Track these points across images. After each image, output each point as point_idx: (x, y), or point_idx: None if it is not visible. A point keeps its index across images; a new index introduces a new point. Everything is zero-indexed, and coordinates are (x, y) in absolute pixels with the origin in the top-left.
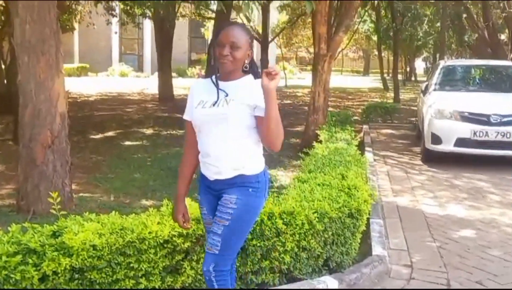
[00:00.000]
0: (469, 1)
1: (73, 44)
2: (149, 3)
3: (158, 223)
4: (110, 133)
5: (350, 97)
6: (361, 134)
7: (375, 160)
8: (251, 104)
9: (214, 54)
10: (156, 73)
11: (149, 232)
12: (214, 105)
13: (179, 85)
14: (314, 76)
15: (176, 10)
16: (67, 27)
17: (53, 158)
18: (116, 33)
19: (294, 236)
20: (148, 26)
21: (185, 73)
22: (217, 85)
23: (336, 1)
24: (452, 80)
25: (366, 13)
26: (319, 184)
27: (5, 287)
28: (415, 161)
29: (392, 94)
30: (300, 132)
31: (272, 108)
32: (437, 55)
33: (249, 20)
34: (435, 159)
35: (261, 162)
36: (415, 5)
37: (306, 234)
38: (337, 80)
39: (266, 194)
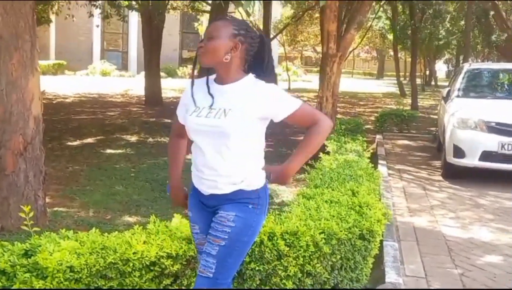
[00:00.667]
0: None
1: (49, 39)
2: None
3: (144, 242)
4: (90, 140)
5: (361, 103)
6: (374, 145)
7: (389, 174)
8: (258, 116)
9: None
10: (143, 73)
11: (134, 253)
12: (209, 113)
13: (168, 87)
14: (321, 79)
15: (166, 2)
16: (42, 19)
17: (25, 167)
18: (98, 26)
19: (297, 259)
20: (134, 19)
21: (175, 73)
22: (208, 89)
23: None
24: (478, 86)
25: (381, 9)
26: (326, 201)
27: None
28: (435, 177)
29: (410, 101)
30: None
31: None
32: (461, 57)
33: (248, 14)
34: (457, 175)
35: (262, 176)
36: (436, 0)
37: (311, 257)
38: (347, 83)
39: (266, 211)
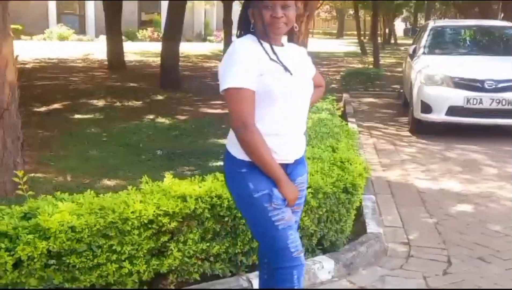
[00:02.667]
0: None
1: None
2: None
3: (141, 201)
4: (56, 106)
5: (324, 62)
6: (341, 104)
7: (360, 132)
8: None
9: (259, 17)
10: (102, 36)
11: (132, 212)
12: (296, 74)
13: (129, 50)
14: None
15: None
16: None
17: (3, 134)
18: None
19: None
20: None
21: (135, 36)
22: (275, 52)
23: None
24: (443, 43)
25: None
26: (309, 158)
27: None
28: (403, 132)
29: (371, 59)
30: None
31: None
32: (419, 15)
33: None
34: (424, 130)
35: None
36: None
37: None
38: (312, 43)
39: None
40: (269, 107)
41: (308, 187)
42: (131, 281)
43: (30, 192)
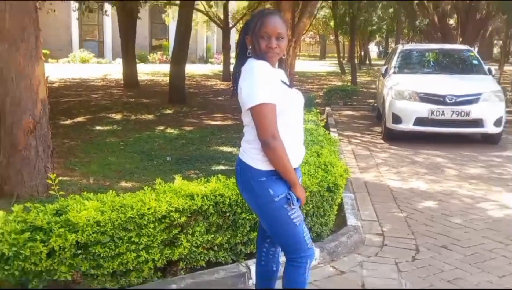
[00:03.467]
0: None
1: None
2: None
3: (155, 200)
4: (79, 119)
5: (309, 80)
6: (324, 116)
7: (340, 139)
8: None
9: (256, 44)
10: (118, 59)
11: (148, 208)
12: (296, 92)
13: (141, 71)
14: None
15: None
16: None
17: (36, 143)
18: (77, 19)
19: None
20: (108, 11)
21: (146, 59)
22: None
23: None
24: (410, 64)
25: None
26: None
27: (15, 262)
28: (377, 140)
29: (349, 77)
30: None
31: None
32: (390, 40)
33: (210, 6)
34: (395, 138)
35: None
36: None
37: None
38: (298, 64)
39: None
40: (285, 120)
41: None
42: (147, 267)
43: (61, 192)
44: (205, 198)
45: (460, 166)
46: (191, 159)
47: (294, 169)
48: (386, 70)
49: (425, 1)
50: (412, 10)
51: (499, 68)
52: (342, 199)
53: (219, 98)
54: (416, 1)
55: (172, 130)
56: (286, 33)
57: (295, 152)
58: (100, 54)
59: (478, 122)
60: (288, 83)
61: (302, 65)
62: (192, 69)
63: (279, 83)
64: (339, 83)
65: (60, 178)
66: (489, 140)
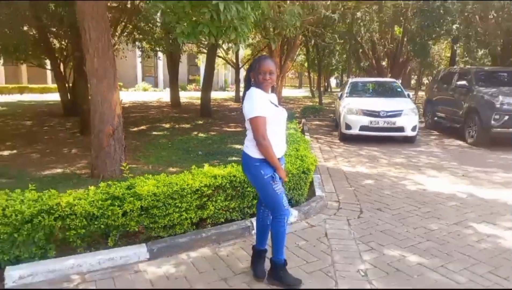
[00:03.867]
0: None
1: None
2: (163, 44)
3: (191, 179)
4: (142, 127)
5: (291, 102)
6: (301, 125)
7: (311, 140)
8: None
9: (256, 78)
10: (167, 88)
11: (187, 185)
12: (280, 110)
13: (182, 96)
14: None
15: (181, 46)
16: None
17: (114, 143)
18: (140, 62)
19: None
20: (161, 57)
21: (185, 88)
22: (277, 98)
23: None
24: (357, 90)
25: (300, 49)
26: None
27: (101, 220)
28: (335, 140)
29: (317, 100)
30: None
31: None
32: (343, 75)
33: (226, 53)
34: (347, 139)
35: None
36: (329, 44)
37: None
38: (283, 91)
39: None
40: (271, 127)
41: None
42: (187, 222)
43: (130, 175)
44: (223, 178)
45: (389, 157)
46: (214, 153)
47: (278, 158)
48: (341, 94)
49: (366, 50)
50: (358, 56)
51: (415, 93)
52: (312, 179)
53: (233, 113)
54: (360, 50)
55: (202, 134)
56: (275, 70)
57: (278, 147)
58: (155, 85)
59: (401, 128)
60: (275, 103)
61: (287, 92)
62: (215, 95)
63: (269, 103)
64: (310, 104)
65: (129, 165)
66: (408, 140)
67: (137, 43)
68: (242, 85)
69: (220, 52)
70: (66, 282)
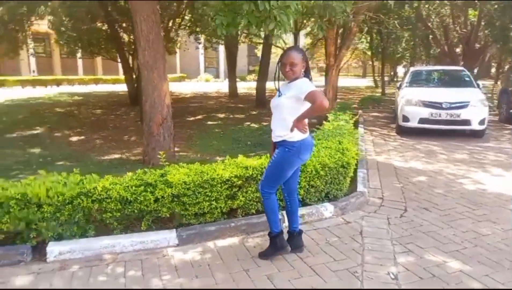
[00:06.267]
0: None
1: (175, 62)
2: (223, 37)
3: (223, 169)
4: (198, 117)
5: (352, 92)
6: (357, 116)
7: (365, 132)
8: (298, 95)
9: (281, 70)
10: (227, 79)
11: (217, 175)
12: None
13: (241, 87)
14: (326, 80)
15: (238, 38)
16: (171, 50)
17: (163, 131)
18: (202, 54)
19: (306, 178)
20: (221, 48)
21: (244, 79)
22: (278, 88)
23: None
24: (418, 80)
25: (363, 36)
26: (323, 147)
27: (135, 205)
28: (392, 133)
29: (380, 90)
30: (318, 116)
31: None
32: (413, 63)
33: (285, 43)
34: (405, 132)
35: (298, 135)
36: (393, 30)
37: (313, 177)
38: (346, 81)
39: (302, 156)
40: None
41: (319, 164)
42: (217, 211)
43: (166, 163)
44: (255, 169)
45: (449, 152)
46: (263, 144)
47: (275, 143)
48: (401, 84)
49: (437, 35)
50: (428, 43)
51: (494, 83)
52: (355, 173)
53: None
54: (431, 36)
55: (254, 125)
56: (299, 61)
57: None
58: (216, 76)
59: (466, 122)
60: (283, 92)
61: (349, 82)
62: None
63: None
64: (372, 94)
65: (180, 153)
66: (475, 135)
67: (197, 35)
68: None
69: (278, 42)
70: (99, 261)
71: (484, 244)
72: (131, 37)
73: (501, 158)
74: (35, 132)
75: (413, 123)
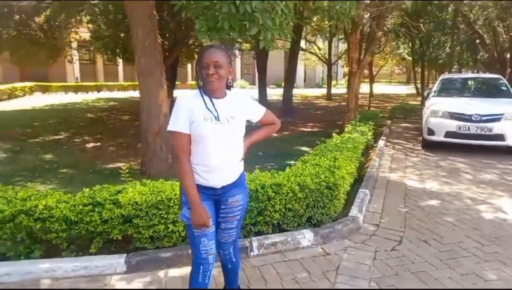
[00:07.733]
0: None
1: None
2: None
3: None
4: None
5: (389, 100)
6: (384, 127)
7: (386, 145)
8: (249, 117)
9: (201, 76)
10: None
11: (175, 194)
12: (217, 120)
13: (275, 93)
14: (348, 87)
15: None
16: (185, 60)
17: (160, 141)
18: (238, 59)
19: (281, 200)
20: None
21: (281, 86)
22: (206, 104)
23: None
24: (448, 89)
25: (402, 41)
26: (312, 164)
27: (81, 226)
28: (416, 147)
29: (421, 98)
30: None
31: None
32: (462, 70)
33: (319, 49)
34: (430, 146)
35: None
36: (433, 35)
37: (290, 199)
38: (386, 88)
39: None
40: (198, 146)
41: (297, 184)
42: (175, 236)
43: (144, 178)
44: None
45: (476, 171)
46: (276, 155)
47: (224, 187)
48: (428, 93)
49: (487, 40)
50: (475, 47)
51: None
52: (348, 194)
53: (317, 112)
54: (478, 40)
55: (274, 134)
56: (226, 63)
57: (212, 174)
58: (253, 83)
59: (499, 137)
60: (221, 111)
61: (391, 89)
62: (307, 92)
63: (197, 113)
64: (412, 102)
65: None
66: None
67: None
68: (334, 82)
69: (313, 48)
70: (35, 286)
71: None
72: (166, 42)
73: None
74: (58, 137)
75: (439, 137)
